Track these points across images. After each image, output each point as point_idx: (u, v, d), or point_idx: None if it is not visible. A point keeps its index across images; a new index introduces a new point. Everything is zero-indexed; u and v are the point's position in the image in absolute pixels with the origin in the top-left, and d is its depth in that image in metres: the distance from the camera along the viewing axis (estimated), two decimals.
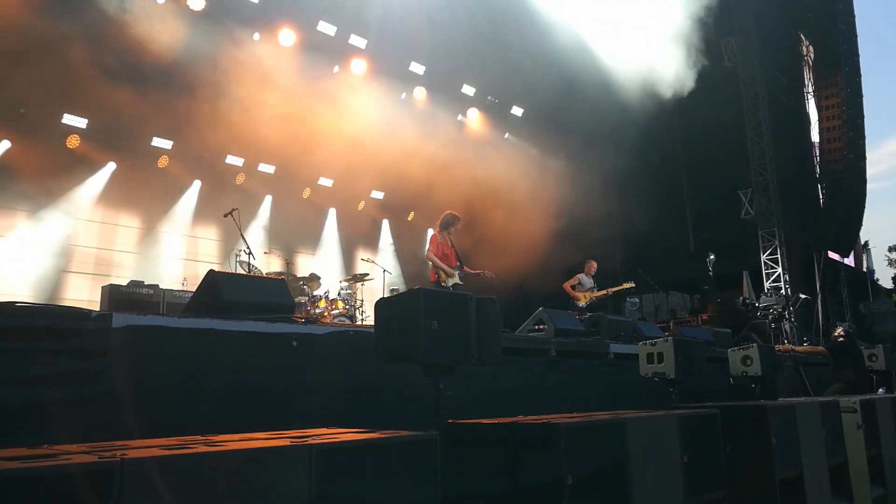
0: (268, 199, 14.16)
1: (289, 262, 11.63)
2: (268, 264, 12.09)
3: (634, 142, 19.01)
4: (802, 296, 14.50)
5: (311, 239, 15.00)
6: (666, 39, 13.78)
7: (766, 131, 16.71)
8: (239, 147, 13.11)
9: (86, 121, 11.54)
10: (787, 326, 13.82)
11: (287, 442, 2.12)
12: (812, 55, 19.24)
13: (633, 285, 11.81)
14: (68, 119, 11.41)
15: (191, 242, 12.96)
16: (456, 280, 8.34)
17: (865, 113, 19.02)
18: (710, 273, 13.27)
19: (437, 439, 2.51)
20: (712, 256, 13.24)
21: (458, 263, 8.46)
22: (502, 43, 13.89)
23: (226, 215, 9.59)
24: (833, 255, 19.69)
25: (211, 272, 5.06)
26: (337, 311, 10.11)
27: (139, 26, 10.80)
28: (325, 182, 14.99)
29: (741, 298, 14.44)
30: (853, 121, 18.34)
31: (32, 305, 4.00)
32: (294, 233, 14.21)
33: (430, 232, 17.32)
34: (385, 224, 16.71)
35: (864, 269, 25.27)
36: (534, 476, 2.92)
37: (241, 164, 13.63)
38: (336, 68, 13.88)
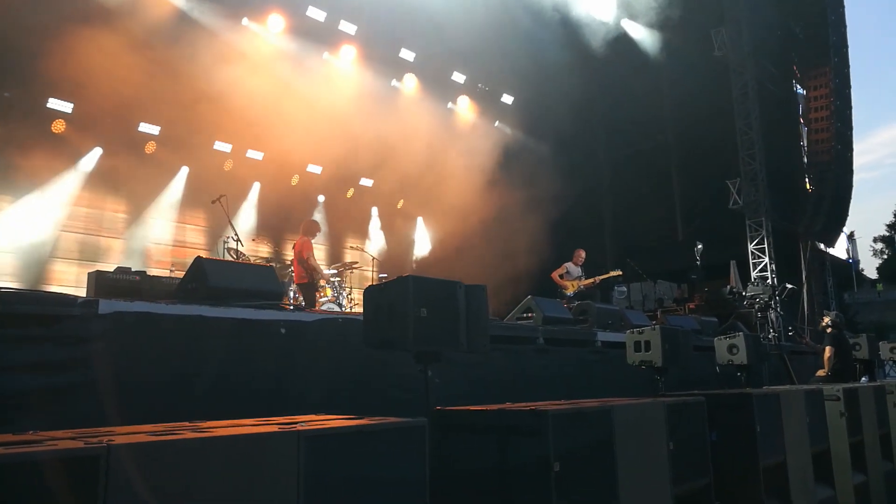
0: (256, 186, 14.06)
1: (277, 250, 11.59)
2: (256, 251, 12.04)
3: (625, 131, 19.08)
4: (789, 285, 14.62)
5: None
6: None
7: (756, 121, 16.75)
8: (227, 133, 13.01)
9: (71, 105, 11.38)
10: (772, 316, 13.93)
11: (275, 428, 2.11)
12: (802, 45, 19.29)
13: (621, 273, 11.88)
14: (54, 103, 11.24)
15: (178, 229, 12.87)
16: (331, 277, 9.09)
17: (854, 103, 19.16)
18: (698, 262, 13.35)
19: (425, 426, 2.52)
20: (700, 246, 13.32)
21: None
22: (493, 30, 13.81)
23: (214, 202, 9.54)
24: (819, 245, 19.86)
25: (198, 258, 5.05)
26: (325, 299, 10.08)
27: (126, 10, 10.66)
28: (314, 169, 14.91)
29: (728, 287, 14.52)
30: (841, 112, 18.44)
31: (17, 291, 3.97)
32: (282, 220, 14.14)
33: (420, 220, 17.38)
34: (374, 211, 16.68)
35: (850, 260, 25.54)
36: (521, 462, 2.94)
37: (229, 151, 13.52)
38: (325, 54, 13.77)
